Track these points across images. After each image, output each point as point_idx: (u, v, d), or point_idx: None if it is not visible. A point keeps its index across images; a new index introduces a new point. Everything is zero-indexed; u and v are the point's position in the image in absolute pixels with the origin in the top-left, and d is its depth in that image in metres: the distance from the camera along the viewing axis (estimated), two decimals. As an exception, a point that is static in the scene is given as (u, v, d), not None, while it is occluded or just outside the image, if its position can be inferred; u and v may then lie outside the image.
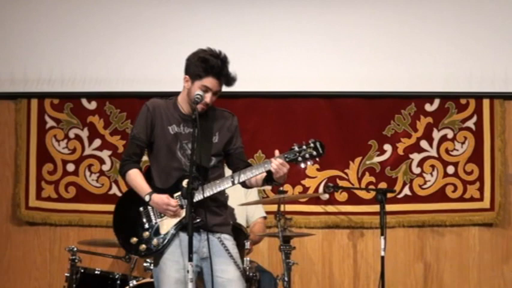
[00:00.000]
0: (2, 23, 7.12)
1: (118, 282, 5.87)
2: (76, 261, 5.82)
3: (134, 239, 4.88)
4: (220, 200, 5.00)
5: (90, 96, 6.94)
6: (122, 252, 5.88)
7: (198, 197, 4.81)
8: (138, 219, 4.89)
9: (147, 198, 4.77)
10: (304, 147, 4.90)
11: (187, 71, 4.94)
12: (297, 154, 4.88)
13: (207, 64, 4.86)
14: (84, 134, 6.89)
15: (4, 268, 6.90)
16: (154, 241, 4.84)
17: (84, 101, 6.89)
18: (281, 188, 6.33)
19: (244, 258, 5.59)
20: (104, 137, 6.91)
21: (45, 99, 6.94)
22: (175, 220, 4.90)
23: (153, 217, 4.87)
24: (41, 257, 6.85)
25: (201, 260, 4.69)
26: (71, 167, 6.86)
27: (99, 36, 7.01)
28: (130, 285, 5.69)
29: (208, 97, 4.85)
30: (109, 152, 6.81)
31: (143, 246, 4.84)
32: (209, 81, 4.84)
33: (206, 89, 4.85)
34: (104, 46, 6.98)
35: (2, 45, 7.06)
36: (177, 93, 5.07)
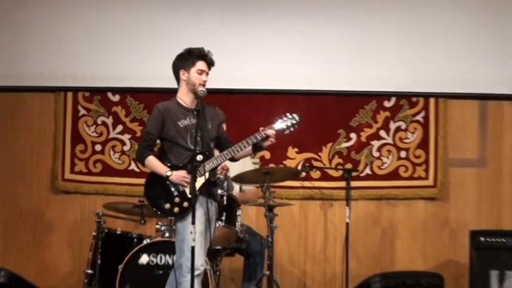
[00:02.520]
0: (44, 30, 7.26)
1: (135, 240, 6.06)
2: (101, 223, 6.04)
3: (168, 205, 5.13)
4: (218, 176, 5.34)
5: (115, 90, 7.16)
6: (138, 217, 6.08)
7: (211, 166, 5.11)
8: (168, 190, 5.13)
9: (168, 173, 5.04)
10: (284, 118, 5.15)
11: (181, 66, 5.18)
12: (281, 124, 5.16)
13: (194, 52, 5.14)
14: (109, 121, 7.13)
15: (44, 228, 7.12)
16: (185, 203, 5.07)
17: (109, 94, 7.13)
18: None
19: (237, 222, 5.86)
20: (125, 123, 7.16)
21: (78, 93, 7.20)
22: (198, 185, 5.09)
23: (179, 187, 5.13)
24: (73, 219, 7.06)
25: (206, 220, 5.02)
26: (98, 147, 7.11)
27: (122, 41, 7.17)
28: (144, 243, 5.90)
29: (203, 77, 5.12)
30: (129, 136, 7.07)
31: (176, 209, 5.10)
32: (201, 64, 5.11)
33: (201, 72, 5.09)
34: (125, 49, 7.14)
35: (43, 48, 7.19)
36: (172, 91, 5.33)
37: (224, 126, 5.69)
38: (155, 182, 5.31)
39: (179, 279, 5.19)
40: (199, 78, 5.11)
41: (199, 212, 5.10)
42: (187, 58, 5.22)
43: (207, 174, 5.17)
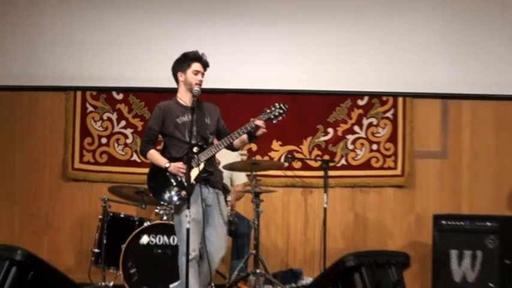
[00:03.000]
0: (54, 34, 7.46)
1: (136, 223, 6.30)
2: (107, 207, 6.30)
3: (167, 195, 5.34)
4: (216, 167, 5.47)
5: (118, 90, 7.40)
6: (139, 202, 6.29)
7: (205, 157, 5.26)
8: (167, 181, 5.31)
9: (167, 165, 5.23)
10: (273, 108, 5.28)
11: (178, 69, 5.36)
12: (270, 114, 5.27)
13: (189, 56, 5.34)
14: (114, 116, 7.37)
15: (56, 212, 7.34)
16: (183, 193, 5.22)
17: (114, 93, 7.38)
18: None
19: (227, 208, 5.95)
20: (127, 119, 7.40)
21: (86, 92, 7.43)
22: (194, 176, 5.28)
23: (178, 177, 5.30)
24: (82, 204, 7.29)
25: (206, 206, 5.20)
26: (104, 140, 7.34)
27: (125, 45, 7.37)
28: (145, 225, 6.17)
29: (199, 77, 5.29)
30: (131, 130, 7.31)
31: (175, 198, 5.29)
32: (196, 65, 5.30)
33: (196, 72, 5.26)
34: (128, 53, 7.33)
35: (54, 51, 7.39)
36: (172, 90, 5.53)
37: (222, 119, 5.77)
38: (156, 174, 5.45)
39: (179, 263, 5.36)
40: (195, 78, 5.27)
41: (194, 200, 5.21)
42: (184, 61, 5.38)
43: (202, 165, 5.28)
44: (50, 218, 7.41)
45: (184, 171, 5.26)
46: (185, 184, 5.20)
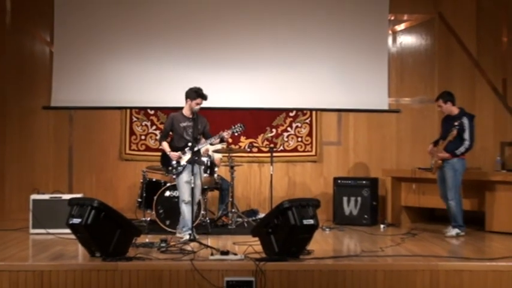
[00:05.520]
0: (110, 72, 8.16)
1: (162, 184, 6.97)
2: (145, 175, 7.10)
3: (170, 168, 6.21)
4: (199, 155, 6.16)
5: (151, 108, 8.29)
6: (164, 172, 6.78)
7: (198, 147, 5.95)
8: (169, 160, 6.13)
9: (168, 153, 6.03)
10: (235, 126, 6.08)
11: (188, 96, 6.03)
12: (234, 129, 6.09)
13: (198, 92, 6.01)
14: (148, 123, 8.27)
15: (116, 178, 8.32)
16: (179, 168, 6.08)
17: (148, 110, 8.31)
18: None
19: (215, 174, 7.14)
20: (156, 125, 8.23)
21: (132, 109, 8.34)
22: (186, 159, 6.04)
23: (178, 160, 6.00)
24: (131, 173, 8.22)
25: (194, 174, 5.92)
26: (143, 137, 8.27)
27: (153, 81, 8.12)
28: (167, 185, 6.81)
29: (198, 106, 5.98)
30: (158, 131, 8.04)
31: (174, 170, 6.13)
32: (199, 100, 6.01)
33: (197, 104, 5.99)
34: (155, 85, 8.12)
35: (113, 86, 8.17)
36: (182, 107, 6.23)
37: (208, 126, 6.29)
38: (165, 156, 6.25)
39: (180, 205, 6.15)
40: (195, 106, 6.02)
41: (186, 171, 6.00)
42: (193, 94, 6.03)
43: (189, 154, 5.97)
44: (113, 181, 8.35)
45: (176, 157, 6.06)
46: (181, 164, 6.08)
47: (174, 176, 6.39)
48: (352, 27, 8.32)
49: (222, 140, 6.23)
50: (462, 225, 6.86)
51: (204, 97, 6.10)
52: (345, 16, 8.32)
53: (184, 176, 6.10)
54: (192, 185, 6.04)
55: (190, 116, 6.07)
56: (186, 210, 6.16)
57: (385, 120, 8.50)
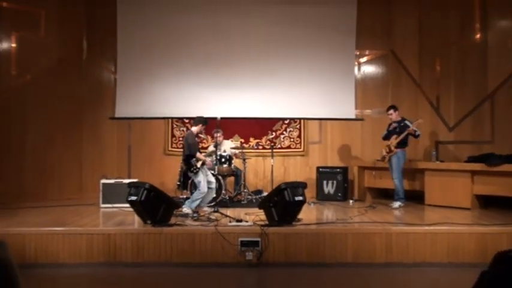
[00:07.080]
0: (155, 88, 7.96)
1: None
2: (182, 166, 6.37)
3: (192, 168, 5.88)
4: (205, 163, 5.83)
5: (186, 118, 8.16)
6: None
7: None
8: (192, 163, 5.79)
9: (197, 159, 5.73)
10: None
11: (197, 123, 5.87)
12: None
13: (204, 121, 5.93)
14: (184, 129, 8.18)
15: (162, 168, 8.17)
16: (197, 169, 5.79)
17: (184, 119, 8.26)
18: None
19: (232, 165, 7.05)
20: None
21: (173, 119, 8.28)
22: (199, 164, 5.82)
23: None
24: (172, 165, 7.94)
25: (207, 170, 5.83)
26: (180, 139, 8.07)
27: (186, 97, 7.94)
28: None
29: (203, 131, 5.98)
30: None
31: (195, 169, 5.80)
32: (204, 126, 5.94)
33: (202, 130, 5.96)
34: (189, 101, 7.91)
35: (158, 100, 8.03)
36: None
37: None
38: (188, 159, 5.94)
39: (198, 197, 5.80)
40: (200, 130, 5.96)
41: (204, 170, 5.86)
42: (199, 122, 5.95)
43: (200, 163, 5.80)
44: (160, 171, 8.23)
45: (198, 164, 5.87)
46: (198, 166, 5.87)
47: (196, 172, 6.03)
48: (329, 60, 8.20)
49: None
50: (403, 197, 6.77)
51: (206, 123, 5.99)
52: (324, 53, 8.21)
53: (201, 173, 5.93)
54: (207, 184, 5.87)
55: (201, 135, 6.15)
56: (206, 196, 5.99)
57: (353, 126, 8.38)
